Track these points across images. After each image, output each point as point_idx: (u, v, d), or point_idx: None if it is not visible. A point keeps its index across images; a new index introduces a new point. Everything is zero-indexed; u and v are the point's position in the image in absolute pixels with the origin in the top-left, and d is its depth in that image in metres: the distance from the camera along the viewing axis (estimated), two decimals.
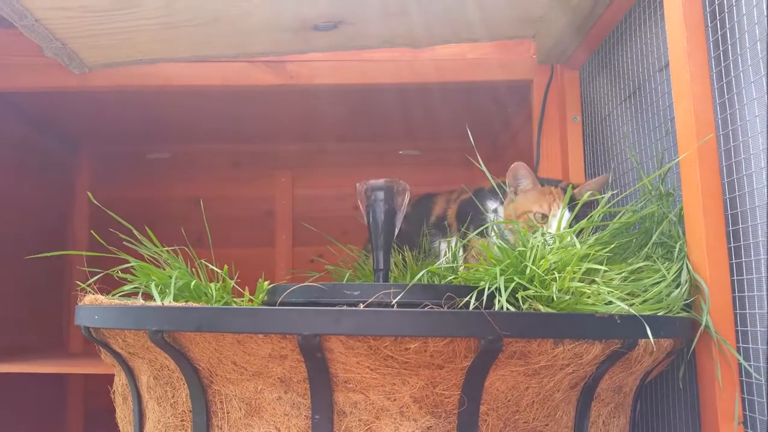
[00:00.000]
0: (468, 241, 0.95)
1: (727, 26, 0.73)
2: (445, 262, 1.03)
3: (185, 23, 1.08)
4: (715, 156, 0.73)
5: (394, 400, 0.60)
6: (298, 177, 1.91)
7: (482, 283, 0.67)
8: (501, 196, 0.98)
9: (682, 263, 0.74)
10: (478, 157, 0.86)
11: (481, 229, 0.95)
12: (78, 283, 0.73)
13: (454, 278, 0.80)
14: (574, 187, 0.92)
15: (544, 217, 0.90)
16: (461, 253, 1.00)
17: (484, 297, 0.65)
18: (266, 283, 0.80)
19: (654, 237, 0.78)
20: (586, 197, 0.83)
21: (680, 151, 0.75)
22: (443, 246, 1.08)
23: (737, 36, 0.72)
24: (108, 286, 0.76)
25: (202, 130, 1.74)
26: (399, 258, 1.03)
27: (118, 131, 1.76)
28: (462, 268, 0.88)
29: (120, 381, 0.77)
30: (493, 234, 0.94)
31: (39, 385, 1.63)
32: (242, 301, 0.80)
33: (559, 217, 0.87)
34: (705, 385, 0.71)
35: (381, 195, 0.85)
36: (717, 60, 0.75)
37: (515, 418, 0.62)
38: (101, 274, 0.74)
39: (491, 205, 1.02)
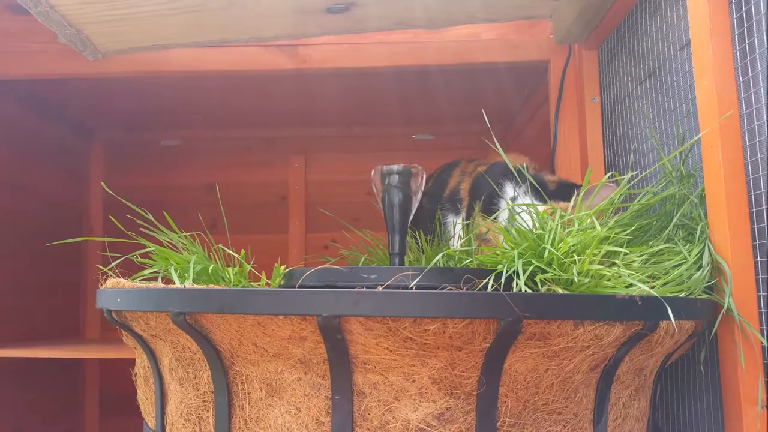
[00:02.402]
0: (478, 226, 0.92)
1: (752, 2, 0.71)
2: (457, 241, 1.01)
3: (199, 8, 1.08)
4: (737, 135, 0.72)
5: (413, 381, 0.60)
6: (311, 162, 1.91)
7: (500, 266, 0.67)
8: (520, 181, 0.92)
9: (704, 245, 0.73)
10: (494, 138, 0.84)
11: (495, 215, 0.92)
12: (99, 267, 0.74)
13: (470, 261, 0.80)
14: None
15: None
16: (466, 234, 0.96)
17: (502, 280, 0.64)
18: (282, 267, 0.80)
19: (675, 219, 0.77)
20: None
21: (701, 130, 0.74)
22: (455, 224, 1.03)
23: (762, 12, 0.70)
24: (126, 271, 0.77)
25: (214, 115, 1.74)
26: (412, 241, 1.02)
27: (130, 118, 1.76)
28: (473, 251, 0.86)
29: (141, 363, 0.77)
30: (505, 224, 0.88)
31: (55, 371, 1.66)
32: (259, 285, 0.80)
33: None
34: (727, 368, 0.70)
35: (396, 179, 0.84)
36: (741, 38, 0.73)
37: (534, 400, 0.62)
38: (121, 259, 0.75)
39: (509, 190, 0.95)
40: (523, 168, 0.93)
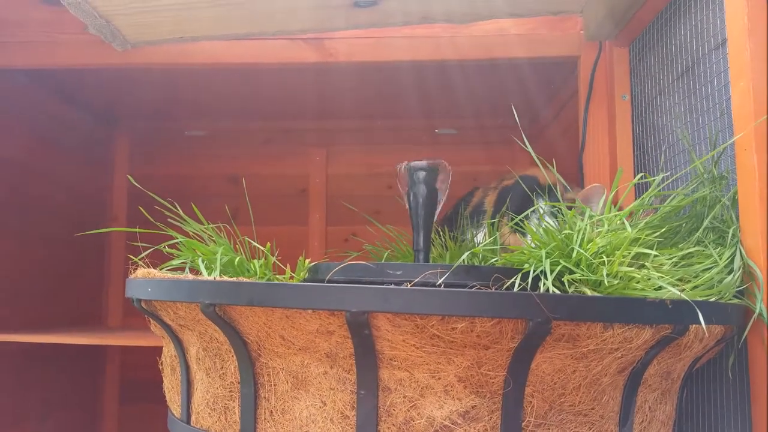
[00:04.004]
0: (503, 236, 0.91)
1: None
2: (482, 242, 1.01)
3: (227, 2, 1.08)
4: None
5: (439, 378, 0.60)
6: (332, 155, 1.91)
7: (526, 266, 0.66)
8: (548, 199, 0.89)
9: (735, 249, 0.72)
10: (525, 140, 0.84)
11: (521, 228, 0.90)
12: (130, 256, 0.75)
13: (496, 260, 0.79)
14: None
15: None
16: (491, 234, 0.96)
17: (529, 280, 0.64)
18: (307, 261, 0.81)
19: (706, 222, 0.76)
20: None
21: (736, 133, 0.72)
22: (475, 236, 1.04)
23: None
24: (152, 261, 0.78)
25: (237, 106, 1.75)
26: (436, 237, 1.02)
27: (155, 108, 1.78)
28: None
29: (168, 352, 0.78)
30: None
31: (78, 357, 1.69)
32: (284, 278, 0.81)
33: None
34: (756, 375, 0.69)
35: (422, 175, 0.84)
36: None
37: (561, 401, 0.62)
38: (151, 249, 0.76)
39: (541, 206, 0.93)
40: (554, 187, 0.90)
